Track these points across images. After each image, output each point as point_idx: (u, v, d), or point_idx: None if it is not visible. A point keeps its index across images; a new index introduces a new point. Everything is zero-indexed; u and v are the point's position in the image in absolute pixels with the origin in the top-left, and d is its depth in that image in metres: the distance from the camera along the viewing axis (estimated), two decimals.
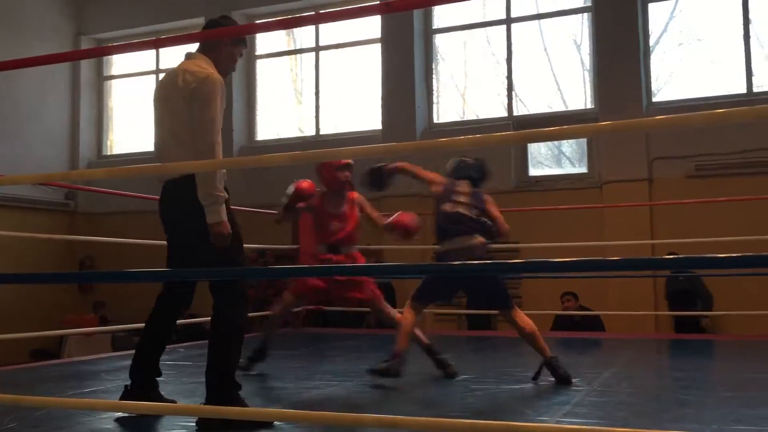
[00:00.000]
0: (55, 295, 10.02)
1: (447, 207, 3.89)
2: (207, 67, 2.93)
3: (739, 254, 1.57)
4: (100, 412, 3.03)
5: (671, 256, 2.04)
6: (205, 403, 2.81)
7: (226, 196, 2.85)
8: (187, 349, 5.62)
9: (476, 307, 4.39)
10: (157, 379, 3.11)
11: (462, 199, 3.90)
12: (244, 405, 2.81)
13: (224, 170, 2.90)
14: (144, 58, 11.12)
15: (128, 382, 3.08)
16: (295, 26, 9.30)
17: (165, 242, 3.10)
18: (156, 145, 3.06)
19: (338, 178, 4.23)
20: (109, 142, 11.49)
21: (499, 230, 3.89)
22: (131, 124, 11.38)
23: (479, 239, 3.82)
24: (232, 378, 2.87)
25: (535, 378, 3.76)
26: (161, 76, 10.85)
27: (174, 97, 2.91)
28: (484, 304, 4.01)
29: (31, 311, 9.24)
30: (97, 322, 8.92)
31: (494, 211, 3.93)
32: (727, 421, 2.77)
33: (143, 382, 3.05)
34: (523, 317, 3.82)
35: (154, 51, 11.02)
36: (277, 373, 4.30)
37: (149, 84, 11.06)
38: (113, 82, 11.52)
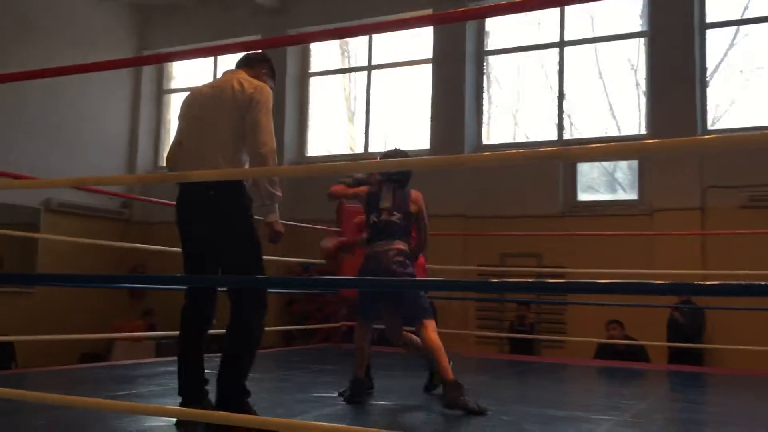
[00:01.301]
0: (107, 300, 10.31)
1: (373, 217, 3.80)
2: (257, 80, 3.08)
3: None
4: (128, 414, 3.10)
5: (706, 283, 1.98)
6: (215, 409, 2.85)
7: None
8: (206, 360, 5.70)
9: (397, 320, 3.89)
10: (163, 387, 3.12)
11: (385, 204, 3.79)
12: (253, 413, 2.83)
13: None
14: (202, 73, 11.43)
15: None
16: (348, 36, 9.43)
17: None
18: (188, 151, 3.06)
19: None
20: (165, 154, 11.80)
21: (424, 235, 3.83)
22: None
23: (397, 244, 3.70)
24: (242, 385, 2.88)
25: (427, 389, 3.83)
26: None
27: (226, 104, 2.99)
28: (402, 314, 3.75)
29: (82, 315, 9.52)
30: (144, 328, 9.13)
31: (424, 216, 3.79)
32: None
33: (193, 393, 3.02)
34: (431, 332, 3.58)
35: (212, 66, 11.31)
36: (299, 386, 4.33)
37: None
38: (173, 95, 11.86)
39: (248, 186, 3.04)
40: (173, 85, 11.92)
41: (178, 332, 3.08)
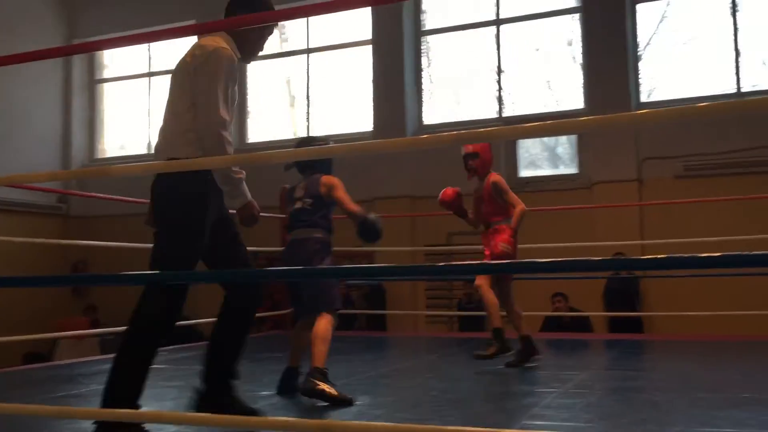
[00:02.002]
0: (49, 299, 10.04)
1: (289, 208, 3.75)
2: (220, 42, 2.73)
3: (720, 254, 1.55)
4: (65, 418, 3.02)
5: (618, 257, 2.03)
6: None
7: (243, 174, 2.74)
8: (169, 352, 5.62)
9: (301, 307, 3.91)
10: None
11: (298, 193, 3.72)
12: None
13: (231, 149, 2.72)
14: (136, 61, 11.14)
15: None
16: (285, 19, 9.30)
17: (149, 245, 2.88)
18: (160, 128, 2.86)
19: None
20: (101, 146, 11.51)
21: (348, 213, 3.56)
22: (124, 127, 11.40)
23: (313, 232, 3.60)
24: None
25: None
26: (153, 78, 10.98)
27: (180, 72, 2.74)
28: (306, 303, 3.62)
29: (24, 315, 9.25)
30: (88, 325, 8.92)
31: (337, 193, 3.59)
32: (691, 424, 2.76)
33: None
34: (326, 323, 3.43)
35: (146, 54, 11.03)
36: (251, 376, 4.29)
37: (142, 87, 11.08)
38: (105, 85, 11.53)
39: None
40: (106, 74, 11.58)
41: (122, 329, 2.87)
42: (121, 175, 2.22)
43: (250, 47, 2.90)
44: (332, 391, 3.22)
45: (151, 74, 11.05)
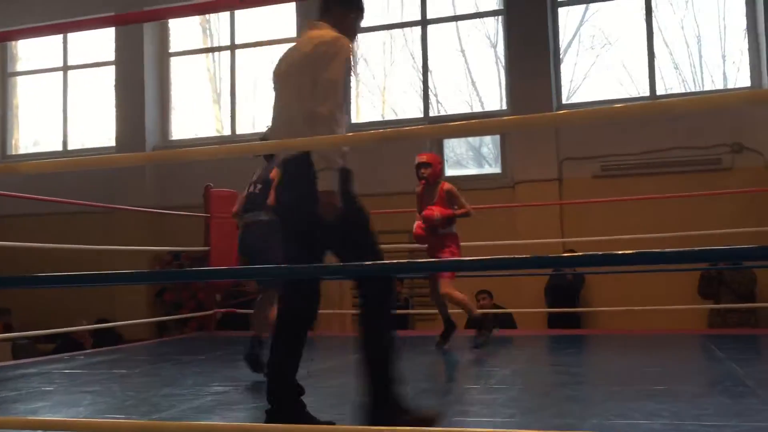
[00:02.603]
0: None
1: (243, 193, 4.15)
2: (335, 32, 2.82)
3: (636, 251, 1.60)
4: None
5: (574, 254, 2.08)
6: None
7: (340, 163, 2.69)
8: (87, 356, 5.43)
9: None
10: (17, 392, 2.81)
11: (252, 179, 4.11)
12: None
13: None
14: (51, 54, 10.70)
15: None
16: (208, 12, 9.11)
17: (71, 246, 2.82)
18: (274, 120, 2.92)
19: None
20: (14, 141, 11.00)
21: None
22: (38, 122, 10.94)
23: (260, 215, 3.91)
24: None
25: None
26: (69, 72, 10.57)
27: (299, 62, 2.78)
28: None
29: None
30: (0, 329, 8.51)
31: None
32: (608, 416, 2.84)
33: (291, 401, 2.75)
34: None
35: (61, 47, 10.61)
36: (173, 379, 4.19)
37: (57, 81, 10.66)
38: (18, 78, 11.03)
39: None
40: (19, 67, 11.08)
41: (35, 333, 2.79)
42: (34, 172, 2.12)
43: (351, 35, 2.95)
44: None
45: (67, 68, 10.63)
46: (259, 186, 3.97)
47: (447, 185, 5.19)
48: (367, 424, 2.56)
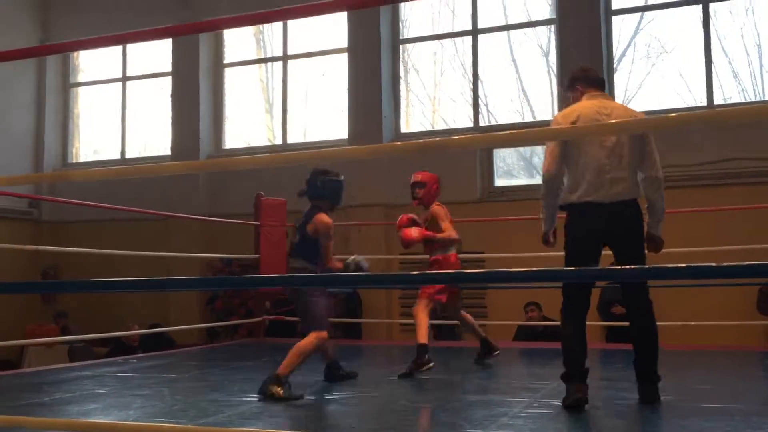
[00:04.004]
0: (19, 305, 9.87)
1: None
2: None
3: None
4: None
5: (621, 267, 2.05)
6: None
7: None
8: (139, 360, 5.55)
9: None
10: (71, 394, 2.95)
11: (296, 223, 4.18)
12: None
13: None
14: (111, 66, 11.03)
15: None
16: (261, 22, 9.27)
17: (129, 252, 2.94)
18: (604, 167, 3.40)
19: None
20: (74, 150, 11.37)
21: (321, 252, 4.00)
22: (98, 131, 11.28)
23: (296, 263, 4.05)
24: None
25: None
26: (128, 83, 10.88)
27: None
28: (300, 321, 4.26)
29: None
30: (58, 332, 8.78)
31: (321, 240, 3.98)
32: None
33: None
34: (309, 340, 3.86)
35: (120, 58, 10.93)
36: (221, 385, 4.24)
37: (116, 91, 10.98)
38: (80, 89, 11.41)
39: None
40: (80, 78, 11.45)
41: (91, 336, 2.93)
42: (82, 179, 2.17)
43: None
44: (279, 392, 3.59)
45: (125, 78, 10.94)
46: (299, 236, 4.08)
47: (435, 207, 4.92)
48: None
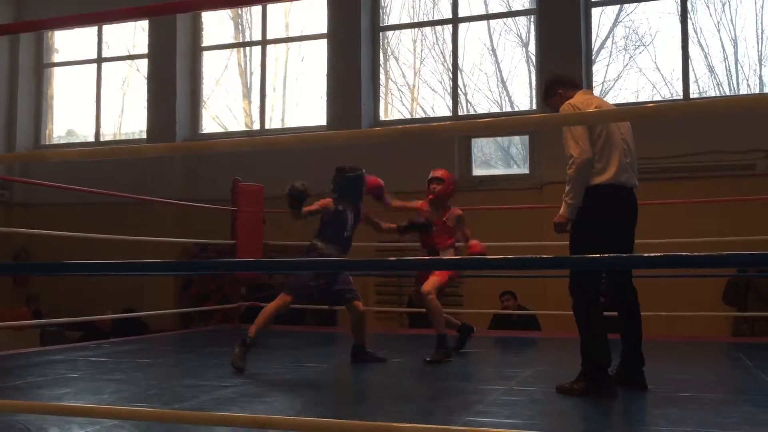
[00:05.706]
0: None
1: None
2: None
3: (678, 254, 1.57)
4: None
5: (597, 256, 2.07)
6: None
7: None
8: (112, 345, 5.50)
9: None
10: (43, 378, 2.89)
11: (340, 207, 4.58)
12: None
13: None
14: (85, 47, 10.85)
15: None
16: (239, 5, 9.18)
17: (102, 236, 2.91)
18: (632, 163, 3.56)
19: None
20: (47, 132, 11.18)
21: None
22: (72, 113, 11.11)
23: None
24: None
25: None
26: (104, 64, 10.71)
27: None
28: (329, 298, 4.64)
29: None
30: (29, 315, 8.66)
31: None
32: (630, 422, 2.81)
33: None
34: (276, 300, 4.24)
35: (96, 39, 10.75)
36: (196, 370, 4.22)
37: (91, 73, 10.81)
38: (54, 69, 11.21)
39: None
40: (54, 58, 11.26)
41: (63, 320, 2.90)
42: (59, 159, 2.14)
43: None
44: (235, 356, 4.00)
45: (101, 60, 10.78)
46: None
47: (459, 210, 5.03)
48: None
